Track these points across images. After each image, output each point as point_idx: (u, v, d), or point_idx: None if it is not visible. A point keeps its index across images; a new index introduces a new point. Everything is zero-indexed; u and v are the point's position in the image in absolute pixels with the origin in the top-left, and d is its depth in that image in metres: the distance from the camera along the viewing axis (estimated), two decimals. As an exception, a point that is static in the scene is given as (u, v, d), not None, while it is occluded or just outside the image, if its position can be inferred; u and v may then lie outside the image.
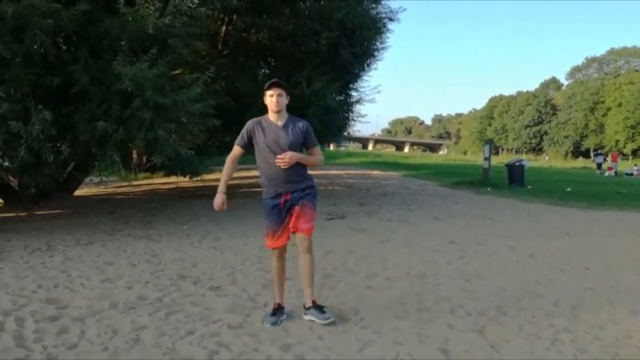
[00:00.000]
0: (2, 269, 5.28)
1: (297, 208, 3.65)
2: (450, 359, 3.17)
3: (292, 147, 3.61)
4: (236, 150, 3.76)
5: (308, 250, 3.70)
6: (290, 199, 3.65)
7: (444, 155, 74.72)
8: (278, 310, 3.79)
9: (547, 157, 62.77)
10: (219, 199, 3.70)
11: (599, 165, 31.10)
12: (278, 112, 3.64)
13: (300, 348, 3.29)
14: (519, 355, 3.24)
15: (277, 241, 3.72)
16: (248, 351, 3.24)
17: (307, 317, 3.73)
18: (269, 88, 3.62)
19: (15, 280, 4.82)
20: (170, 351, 3.23)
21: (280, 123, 3.66)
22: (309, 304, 3.76)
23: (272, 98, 3.61)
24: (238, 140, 3.74)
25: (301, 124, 3.73)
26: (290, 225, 3.67)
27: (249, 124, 3.72)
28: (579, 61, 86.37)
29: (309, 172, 3.83)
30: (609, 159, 31.23)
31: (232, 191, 13.22)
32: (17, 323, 3.66)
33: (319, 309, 3.73)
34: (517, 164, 16.94)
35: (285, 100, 3.66)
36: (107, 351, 3.21)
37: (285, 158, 3.55)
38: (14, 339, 3.37)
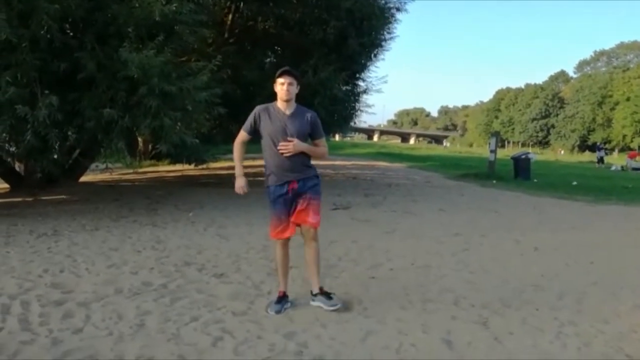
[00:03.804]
0: (8, 253, 5.31)
1: (302, 202, 3.64)
2: (453, 350, 3.17)
3: (297, 137, 3.59)
4: (242, 135, 3.77)
5: (314, 239, 3.72)
6: (297, 187, 3.64)
7: (446, 147, 74.06)
8: (282, 298, 3.80)
9: (562, 152, 61.92)
10: (240, 182, 3.75)
11: (601, 159, 30.82)
12: (287, 100, 3.61)
13: (303, 336, 3.30)
14: (523, 348, 3.23)
15: (284, 233, 3.71)
16: (252, 338, 3.25)
17: (315, 304, 3.75)
18: (280, 75, 3.59)
19: (21, 265, 4.86)
20: (175, 337, 3.25)
21: (288, 112, 3.63)
22: (316, 290, 3.77)
23: (282, 86, 3.57)
24: (245, 126, 3.73)
25: (309, 115, 3.70)
26: (294, 218, 3.67)
27: (257, 109, 3.70)
28: (588, 54, 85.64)
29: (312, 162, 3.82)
30: (614, 153, 30.92)
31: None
32: (23, 307, 3.69)
33: (327, 295, 3.75)
34: (524, 157, 16.85)
35: (295, 89, 3.63)
36: (111, 336, 3.23)
37: (289, 146, 3.53)
38: (19, 323, 3.40)
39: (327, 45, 10.73)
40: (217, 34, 11.13)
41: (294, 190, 3.64)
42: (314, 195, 3.67)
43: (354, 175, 16.59)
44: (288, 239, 3.80)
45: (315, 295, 3.77)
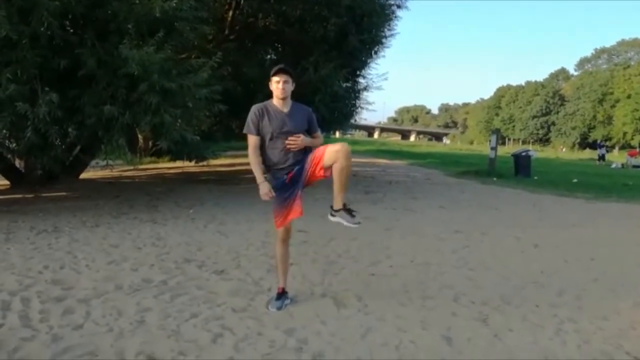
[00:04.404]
0: (8, 250, 5.32)
1: (303, 172, 3.56)
2: (453, 347, 3.17)
3: (297, 133, 3.60)
4: (253, 139, 3.64)
5: (344, 158, 3.38)
6: (294, 174, 3.61)
7: (446, 145, 73.92)
8: (282, 294, 3.81)
9: (564, 149, 62.30)
10: (264, 188, 3.51)
11: (602, 157, 30.80)
12: (284, 98, 3.61)
13: (303, 332, 3.31)
14: (522, 345, 3.24)
15: (287, 216, 3.63)
16: (252, 335, 3.26)
17: (334, 219, 3.60)
18: (275, 74, 3.58)
19: (21, 261, 4.86)
20: (175, 333, 3.25)
21: (285, 110, 3.63)
22: (338, 206, 3.55)
23: (278, 84, 3.57)
24: (250, 129, 3.63)
25: (305, 111, 3.74)
26: (316, 174, 3.51)
27: (255, 109, 3.66)
28: (589, 52, 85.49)
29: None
30: (614, 151, 30.94)
31: (238, 177, 13.23)
32: (23, 303, 3.70)
33: (349, 211, 3.56)
34: (524, 154, 16.84)
35: (291, 87, 3.62)
36: (112, 332, 3.24)
37: (298, 141, 3.55)
38: (19, 319, 3.41)
39: (327, 42, 10.71)
40: (218, 31, 11.10)
41: (292, 177, 3.61)
42: (309, 154, 3.59)
43: (354, 172, 16.55)
44: (288, 235, 3.80)
45: (337, 210, 3.56)
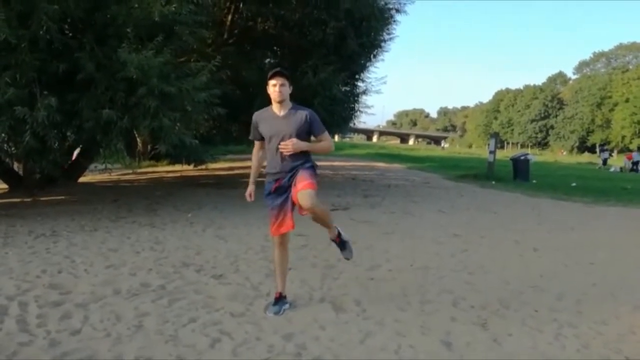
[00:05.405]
0: (6, 254, 5.30)
1: (289, 189, 3.58)
2: (452, 352, 3.16)
3: (294, 137, 3.56)
4: (256, 144, 3.87)
5: (313, 206, 3.44)
6: (282, 184, 3.61)
7: (445, 148, 73.67)
8: (280, 299, 3.79)
9: (564, 153, 62.55)
10: (249, 189, 3.85)
11: (605, 161, 30.84)
12: (281, 102, 3.59)
13: (302, 337, 3.30)
14: (522, 349, 3.23)
15: (279, 227, 3.66)
16: (250, 340, 3.25)
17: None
18: (271, 77, 3.57)
19: (19, 265, 4.84)
20: (173, 338, 3.24)
21: (282, 113, 3.61)
22: (332, 236, 3.93)
23: (274, 88, 3.56)
24: (253, 135, 3.80)
25: (304, 113, 3.64)
26: (294, 198, 3.53)
27: (255, 116, 3.74)
28: (587, 56, 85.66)
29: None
30: (614, 155, 30.90)
31: (237, 180, 13.21)
32: (21, 308, 3.68)
33: (341, 244, 3.96)
34: (523, 158, 16.85)
35: (288, 89, 3.60)
36: (110, 337, 3.23)
37: (289, 145, 3.50)
38: (17, 324, 3.39)
39: (326, 46, 10.71)
40: (217, 35, 11.11)
41: (279, 187, 3.61)
42: (303, 170, 3.58)
43: (353, 176, 16.57)
44: (286, 239, 3.79)
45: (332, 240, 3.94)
